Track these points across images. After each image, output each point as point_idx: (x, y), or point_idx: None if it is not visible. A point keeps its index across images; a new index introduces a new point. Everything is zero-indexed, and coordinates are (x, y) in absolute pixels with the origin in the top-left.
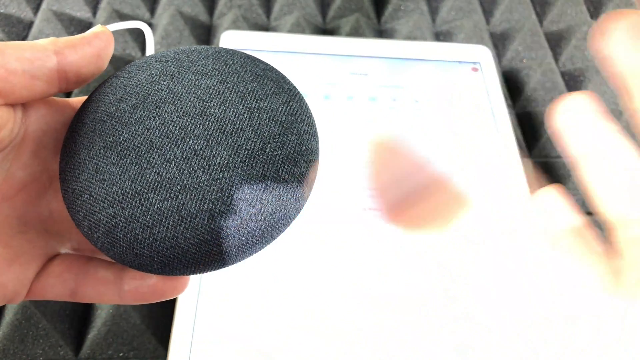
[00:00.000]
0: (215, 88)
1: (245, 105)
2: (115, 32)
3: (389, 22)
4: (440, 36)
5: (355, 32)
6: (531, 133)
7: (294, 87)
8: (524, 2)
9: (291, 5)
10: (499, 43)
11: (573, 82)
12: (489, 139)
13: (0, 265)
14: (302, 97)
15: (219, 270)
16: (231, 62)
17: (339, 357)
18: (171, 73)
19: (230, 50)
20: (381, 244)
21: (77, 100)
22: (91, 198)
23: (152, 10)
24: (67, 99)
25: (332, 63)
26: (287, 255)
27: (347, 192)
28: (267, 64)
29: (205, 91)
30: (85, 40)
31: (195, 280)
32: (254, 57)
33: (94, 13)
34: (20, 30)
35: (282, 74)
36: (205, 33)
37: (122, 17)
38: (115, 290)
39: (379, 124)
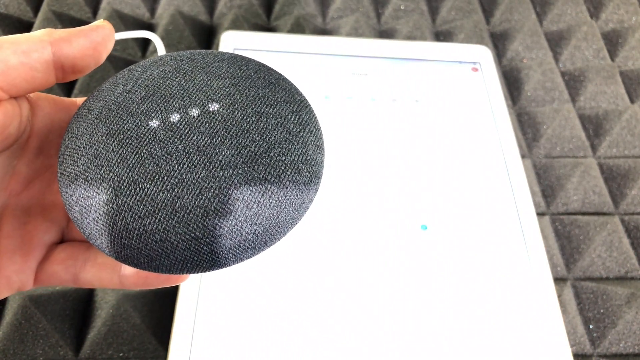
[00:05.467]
0: (227, 90)
1: (255, 109)
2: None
3: (389, 22)
4: (440, 36)
5: (355, 32)
6: (531, 133)
7: (305, 98)
8: (524, 2)
9: (291, 5)
10: (499, 43)
11: (573, 82)
12: (489, 138)
13: (3, 257)
14: (312, 109)
15: (211, 272)
16: (245, 68)
17: (339, 357)
18: (184, 71)
19: (246, 57)
20: (381, 243)
21: (83, 100)
22: (86, 182)
23: (152, 10)
24: (74, 99)
25: (332, 63)
26: (286, 255)
27: (346, 191)
28: (280, 74)
29: (216, 91)
30: (82, 33)
31: (195, 280)
32: (269, 67)
33: (94, 13)
34: (20, 30)
35: (295, 85)
36: (205, 33)
37: (122, 17)
38: (115, 274)
39: (379, 124)
